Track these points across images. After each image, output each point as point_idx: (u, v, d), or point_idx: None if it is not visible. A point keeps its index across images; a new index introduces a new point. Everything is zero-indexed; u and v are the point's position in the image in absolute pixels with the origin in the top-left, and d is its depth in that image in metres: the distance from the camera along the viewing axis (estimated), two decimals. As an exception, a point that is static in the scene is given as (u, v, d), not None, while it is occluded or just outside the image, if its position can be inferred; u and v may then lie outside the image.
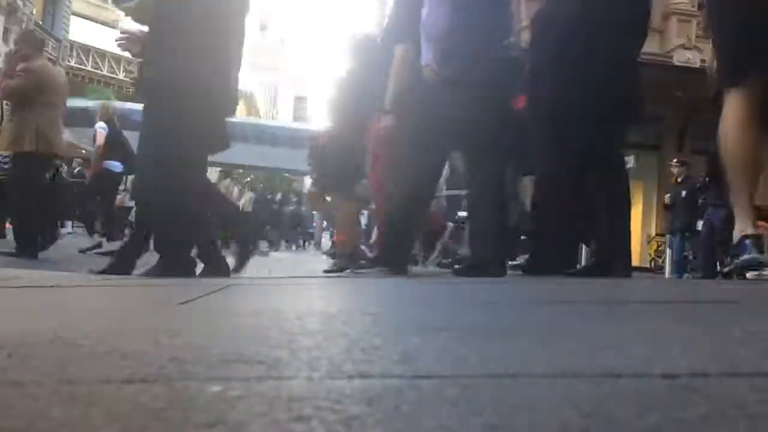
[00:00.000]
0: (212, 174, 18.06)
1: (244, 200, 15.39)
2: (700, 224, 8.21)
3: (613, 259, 3.08)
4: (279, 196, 23.87)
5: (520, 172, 4.37)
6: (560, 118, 2.99)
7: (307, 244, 22.25)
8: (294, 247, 20.65)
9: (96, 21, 43.33)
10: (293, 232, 21.74)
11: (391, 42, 3.66)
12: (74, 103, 15.28)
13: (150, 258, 3.42)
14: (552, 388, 0.65)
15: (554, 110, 3.01)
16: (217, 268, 3.09)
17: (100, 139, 7.11)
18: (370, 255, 4.81)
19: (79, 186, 9.99)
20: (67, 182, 9.45)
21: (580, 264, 4.60)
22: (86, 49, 41.53)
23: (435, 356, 0.81)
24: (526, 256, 3.68)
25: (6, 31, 23.53)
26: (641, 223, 15.24)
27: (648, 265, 12.71)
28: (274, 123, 41.34)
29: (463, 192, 5.08)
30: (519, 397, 0.62)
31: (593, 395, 0.62)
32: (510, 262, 3.77)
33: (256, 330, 1.06)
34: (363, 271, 3.83)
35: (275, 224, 19.04)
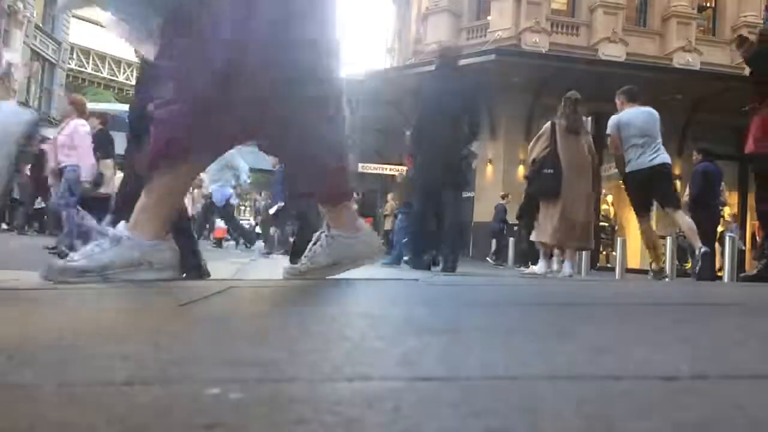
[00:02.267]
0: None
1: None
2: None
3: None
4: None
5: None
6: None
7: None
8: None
9: (96, 23, 43.36)
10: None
11: None
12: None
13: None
14: (552, 389, 0.65)
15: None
16: None
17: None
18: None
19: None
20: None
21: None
22: (86, 52, 41.57)
23: (435, 358, 0.81)
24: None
25: (6, 33, 23.54)
26: (641, 225, 15.25)
27: (648, 268, 12.68)
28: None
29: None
30: (519, 398, 0.62)
31: (593, 397, 0.62)
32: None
33: (256, 332, 1.06)
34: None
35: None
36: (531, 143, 6.23)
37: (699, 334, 1.07)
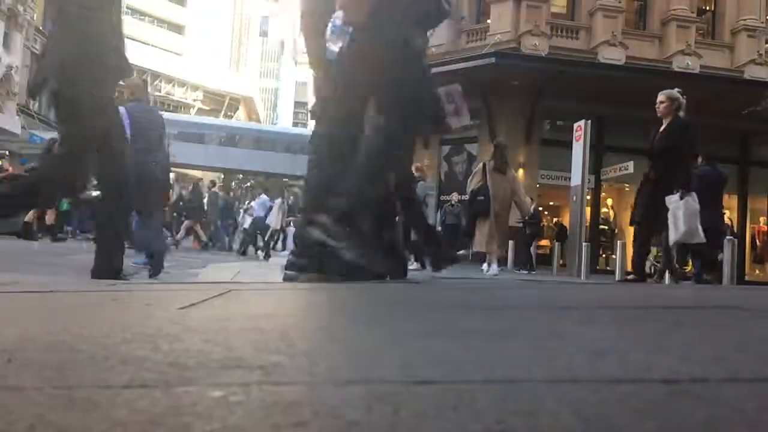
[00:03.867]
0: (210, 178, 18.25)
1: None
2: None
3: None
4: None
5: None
6: None
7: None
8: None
9: (97, 26, 43.26)
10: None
11: None
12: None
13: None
14: (551, 393, 0.65)
15: None
16: None
17: None
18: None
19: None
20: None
21: None
22: (87, 54, 41.51)
23: (434, 361, 0.81)
24: None
25: (6, 36, 23.57)
26: (641, 228, 15.20)
27: (648, 271, 12.67)
28: (274, 128, 41.42)
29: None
30: (518, 402, 0.62)
31: (593, 400, 0.62)
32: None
33: (256, 335, 1.06)
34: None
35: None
36: (469, 178, 8.27)
37: (699, 338, 1.07)
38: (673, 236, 4.94)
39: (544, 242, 14.36)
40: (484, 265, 8.04)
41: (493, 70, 13.21)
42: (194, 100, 48.23)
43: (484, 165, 8.01)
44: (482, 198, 7.79)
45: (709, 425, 0.54)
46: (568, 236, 10.39)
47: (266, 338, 1.02)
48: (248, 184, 31.03)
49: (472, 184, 8.10)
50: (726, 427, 0.54)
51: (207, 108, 47.44)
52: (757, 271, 15.27)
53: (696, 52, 16.51)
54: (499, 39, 16.26)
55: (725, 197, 8.17)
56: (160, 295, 1.99)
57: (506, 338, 1.04)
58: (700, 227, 4.93)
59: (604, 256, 14.68)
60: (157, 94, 42.34)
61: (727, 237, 7.30)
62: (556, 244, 12.30)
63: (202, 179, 18.99)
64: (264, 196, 13.28)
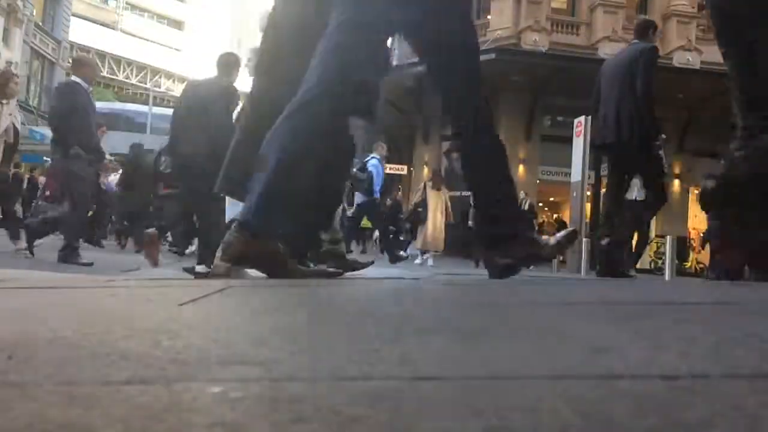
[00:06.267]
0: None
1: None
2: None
3: None
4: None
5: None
6: None
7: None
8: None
9: (96, 22, 43.41)
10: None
11: None
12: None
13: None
14: (552, 389, 0.65)
15: None
16: None
17: None
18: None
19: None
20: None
21: None
22: (86, 50, 41.82)
23: (435, 357, 0.81)
24: None
25: (6, 32, 23.53)
26: (641, 224, 15.23)
27: (648, 267, 12.71)
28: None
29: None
30: (519, 398, 0.62)
31: (593, 396, 0.62)
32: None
33: (256, 331, 1.06)
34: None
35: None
36: (412, 194, 11.33)
37: (699, 334, 1.07)
38: None
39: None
40: (419, 258, 11.62)
41: (493, 66, 13.23)
42: (194, 96, 48.26)
43: (425, 184, 11.43)
44: (421, 209, 11.16)
45: (708, 421, 0.55)
46: (569, 232, 10.45)
47: (267, 334, 1.02)
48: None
49: (415, 198, 11.56)
50: (726, 423, 0.54)
51: (207, 104, 47.50)
52: (757, 267, 15.27)
53: (697, 47, 16.52)
54: (499, 35, 16.27)
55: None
56: (159, 291, 1.99)
57: (507, 334, 1.04)
58: None
59: (604, 252, 14.71)
60: (157, 90, 42.33)
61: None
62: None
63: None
64: None
